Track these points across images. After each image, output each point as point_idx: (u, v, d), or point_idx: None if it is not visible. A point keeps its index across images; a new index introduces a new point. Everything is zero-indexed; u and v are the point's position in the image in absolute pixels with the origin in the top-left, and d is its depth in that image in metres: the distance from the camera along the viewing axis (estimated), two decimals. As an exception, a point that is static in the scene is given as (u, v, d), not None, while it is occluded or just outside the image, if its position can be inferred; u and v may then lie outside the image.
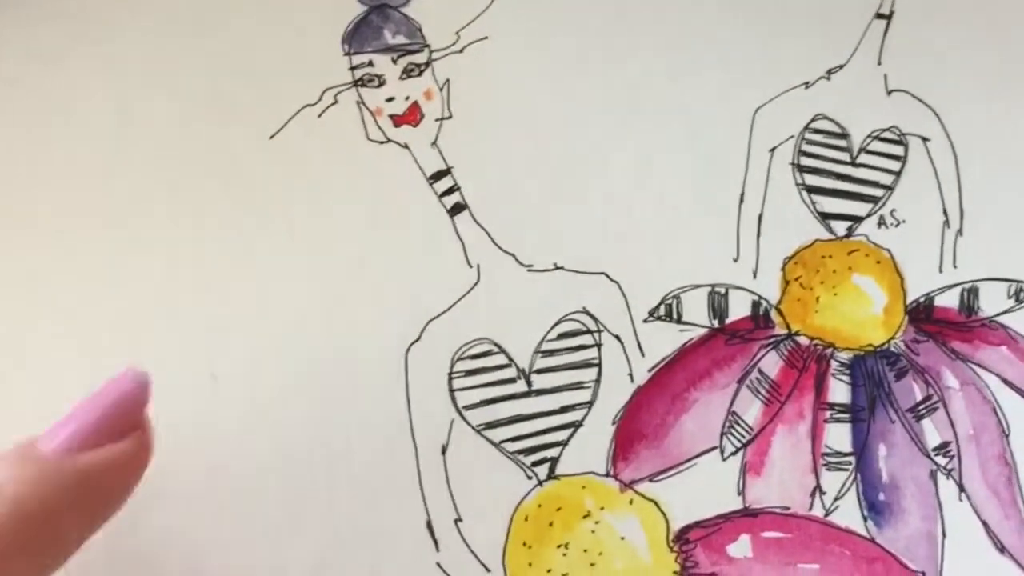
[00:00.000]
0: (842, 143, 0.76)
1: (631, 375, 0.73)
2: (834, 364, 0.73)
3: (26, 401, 0.70)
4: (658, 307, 0.74)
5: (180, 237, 0.74)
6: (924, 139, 0.76)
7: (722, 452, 0.72)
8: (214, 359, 0.72)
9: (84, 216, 0.74)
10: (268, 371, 0.72)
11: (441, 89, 0.76)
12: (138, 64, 0.77)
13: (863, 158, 0.76)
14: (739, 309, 0.74)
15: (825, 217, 0.75)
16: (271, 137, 0.75)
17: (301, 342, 0.73)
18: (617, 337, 0.73)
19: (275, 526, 0.70)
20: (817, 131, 0.77)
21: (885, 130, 0.77)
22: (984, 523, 0.70)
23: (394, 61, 0.77)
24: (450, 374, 0.72)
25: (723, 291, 0.74)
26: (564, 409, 0.72)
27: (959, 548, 0.70)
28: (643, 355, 0.73)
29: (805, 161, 0.76)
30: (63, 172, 0.75)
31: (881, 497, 0.71)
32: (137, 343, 0.72)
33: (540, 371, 0.72)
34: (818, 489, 0.71)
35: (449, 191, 0.75)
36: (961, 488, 0.71)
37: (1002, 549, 0.70)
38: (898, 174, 0.76)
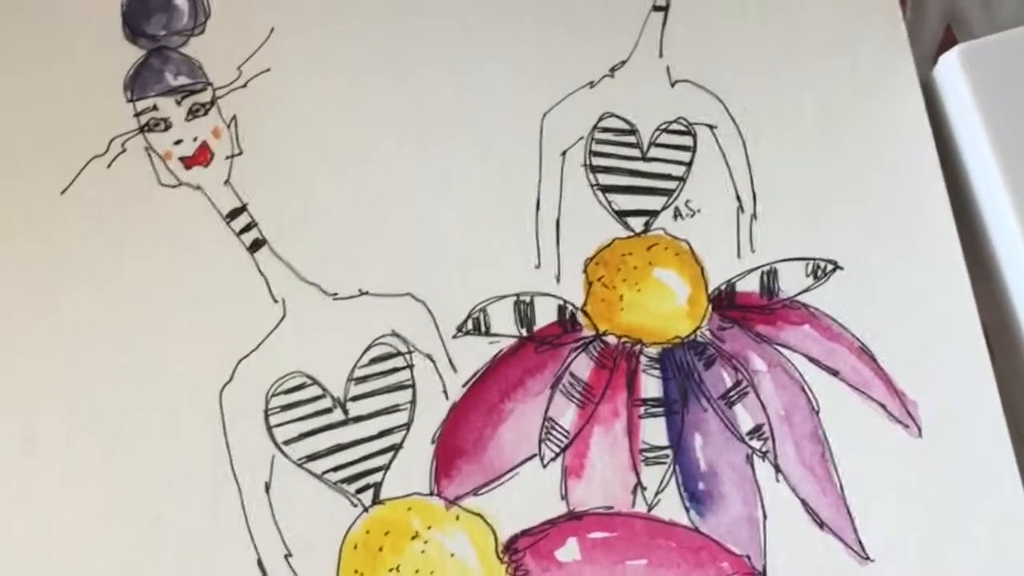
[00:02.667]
0: (631, 139, 0.77)
1: (445, 392, 0.73)
2: (644, 360, 0.74)
3: None
4: (466, 322, 0.74)
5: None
6: (711, 127, 0.77)
7: (542, 459, 0.72)
8: (30, 420, 0.72)
9: None
10: (85, 428, 0.72)
11: (228, 126, 0.76)
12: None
13: (653, 152, 0.77)
14: (546, 315, 0.74)
15: (621, 215, 0.76)
16: (62, 192, 0.75)
17: (115, 396, 0.72)
18: (428, 356, 0.73)
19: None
20: (606, 129, 0.77)
21: (673, 122, 0.77)
22: (802, 501, 0.72)
23: (178, 103, 0.76)
24: (266, 411, 0.72)
25: (528, 299, 0.74)
26: (383, 433, 0.72)
27: (780, 528, 0.71)
28: (455, 371, 0.73)
29: (597, 161, 0.76)
30: None
31: (701, 486, 0.72)
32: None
33: (355, 398, 0.73)
34: (639, 485, 0.72)
35: (247, 228, 0.74)
36: (777, 469, 0.72)
37: (821, 524, 0.71)
38: (689, 164, 0.77)
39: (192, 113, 0.76)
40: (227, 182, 0.75)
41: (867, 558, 0.71)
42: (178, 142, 0.75)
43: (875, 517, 0.71)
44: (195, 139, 0.75)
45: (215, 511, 0.71)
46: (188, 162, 0.75)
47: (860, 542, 0.71)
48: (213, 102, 0.76)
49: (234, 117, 0.76)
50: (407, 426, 0.72)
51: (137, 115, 0.76)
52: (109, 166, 0.75)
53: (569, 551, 0.71)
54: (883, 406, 0.73)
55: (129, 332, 0.73)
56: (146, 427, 0.72)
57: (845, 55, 0.78)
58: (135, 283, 0.74)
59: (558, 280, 0.75)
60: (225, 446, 0.72)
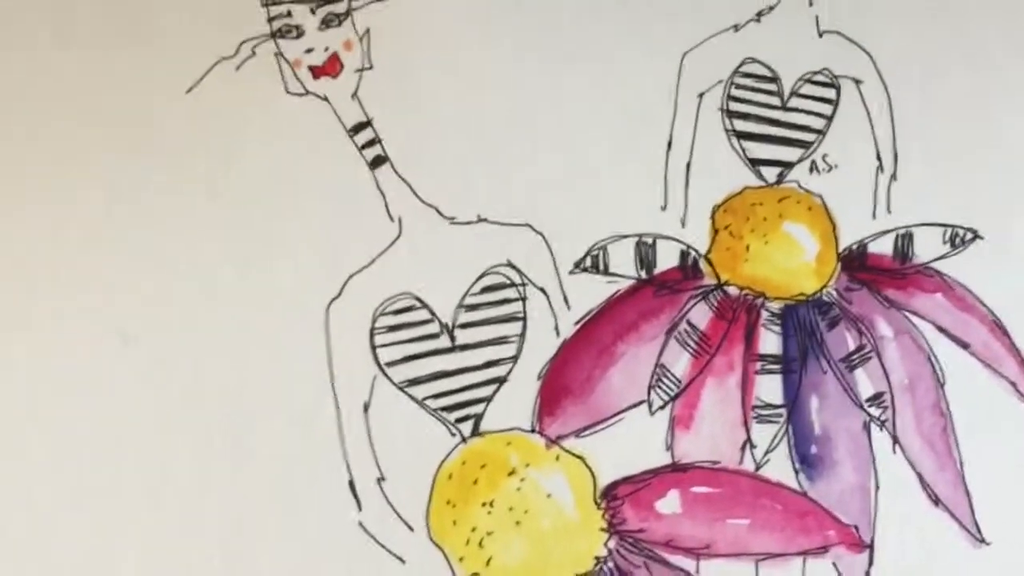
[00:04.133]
0: (772, 87, 0.74)
1: (557, 328, 0.71)
2: (765, 314, 0.72)
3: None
4: (584, 259, 0.72)
5: (98, 197, 0.73)
6: (857, 81, 0.74)
7: (650, 406, 0.70)
8: (126, 320, 0.71)
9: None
10: (183, 329, 0.71)
11: (361, 39, 0.75)
12: (48, 22, 0.76)
13: (794, 102, 0.74)
14: (667, 259, 0.72)
15: (755, 163, 0.73)
16: (188, 91, 0.74)
17: (220, 298, 0.71)
18: (542, 290, 0.72)
19: (192, 486, 0.69)
20: (747, 75, 0.75)
21: (817, 72, 0.75)
22: (919, 475, 0.69)
23: (313, 11, 0.75)
24: (372, 330, 0.71)
25: (651, 241, 0.72)
26: (488, 364, 0.71)
27: (893, 501, 0.69)
28: (569, 308, 0.72)
29: (734, 106, 0.74)
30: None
31: (813, 450, 0.70)
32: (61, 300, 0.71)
33: (464, 326, 0.71)
34: (748, 443, 0.70)
35: (370, 143, 0.73)
36: (895, 439, 0.70)
37: (936, 501, 0.68)
38: (830, 118, 0.74)
39: (325, 23, 0.74)
40: (354, 95, 0.73)
41: (982, 540, 0.68)
42: (309, 51, 0.74)
43: (995, 498, 0.69)
44: (326, 49, 0.74)
45: (310, 427, 0.70)
46: (317, 72, 0.74)
47: (976, 523, 0.68)
48: (348, 13, 0.75)
49: (367, 30, 0.75)
50: (514, 359, 0.71)
51: (270, 20, 0.74)
52: (238, 69, 0.74)
53: (670, 503, 0.69)
54: (1013, 384, 0.70)
55: (239, 238, 0.72)
56: (246, 335, 0.71)
57: (999, 15, 0.75)
58: (251, 189, 0.72)
59: (683, 224, 0.73)
60: (327, 362, 0.70)
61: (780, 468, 0.70)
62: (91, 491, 0.69)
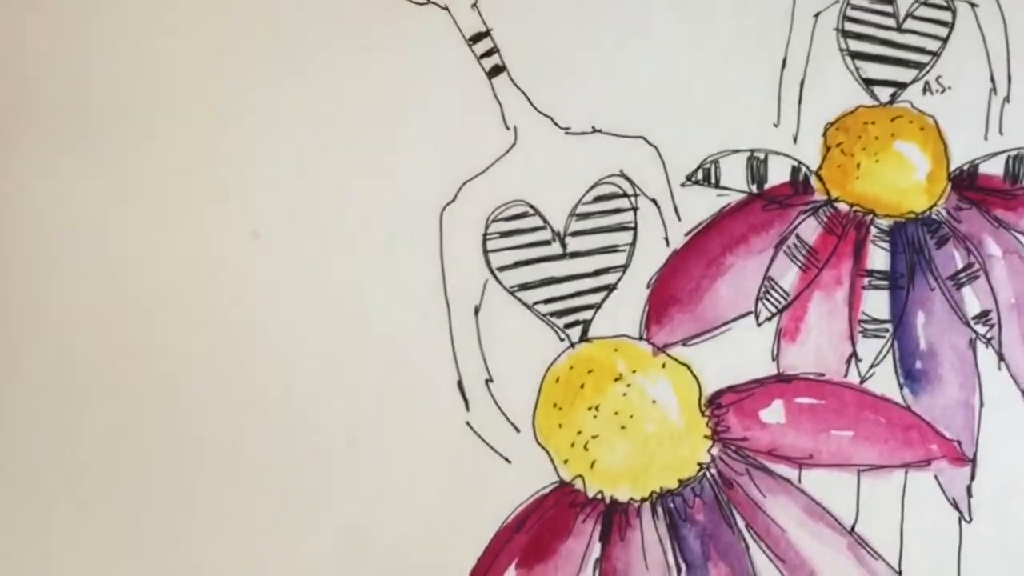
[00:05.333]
0: (888, 8, 0.75)
1: (667, 239, 0.72)
2: (874, 231, 0.72)
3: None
4: (696, 171, 0.73)
5: (222, 95, 0.74)
6: (972, 4, 0.74)
7: (757, 317, 0.71)
8: (255, 217, 0.73)
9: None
10: (308, 227, 0.72)
11: (482, -49, 0.76)
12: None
13: (909, 23, 0.74)
14: (778, 175, 0.73)
15: (869, 83, 0.74)
16: (309, -6, 0.75)
17: (340, 201, 0.73)
18: (654, 201, 0.72)
19: (312, 380, 0.71)
20: (862, -5, 0.75)
21: (932, -6, 0.75)
22: (1023, 392, 0.69)
23: (435, -79, 0.76)
24: (484, 235, 0.72)
25: (762, 156, 0.73)
26: (598, 272, 0.72)
27: (996, 418, 0.69)
28: (679, 219, 0.72)
29: (850, 26, 0.75)
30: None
31: (918, 365, 0.70)
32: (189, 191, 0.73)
33: (575, 233, 0.72)
34: (854, 356, 0.70)
35: (488, 53, 0.74)
36: (1000, 357, 0.70)
37: (1041, 419, 0.69)
38: (945, 40, 0.74)
39: (450, -67, 0.76)
40: (474, 5, 0.74)
41: (1086, 458, 0.68)
42: (432, -39, 0.75)
43: (1100, 416, 0.69)
44: (448, -41, 0.75)
45: (423, 327, 0.71)
46: (439, -20, 0.75)
47: (1081, 442, 0.69)
48: (469, -77, 0.76)
49: (490, -58, 0.76)
50: (624, 268, 0.72)
51: (395, -71, 0.76)
52: (360, -28, 0.75)
53: (774, 413, 0.70)
54: (1123, 300, 0.70)
55: (361, 142, 0.73)
56: (365, 234, 0.72)
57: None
58: (372, 93, 0.74)
59: (795, 140, 0.73)
60: (440, 264, 0.71)
61: (885, 382, 0.70)
62: (225, 375, 0.71)
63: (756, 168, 0.73)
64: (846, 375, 0.70)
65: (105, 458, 0.71)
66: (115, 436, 0.71)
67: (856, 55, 0.74)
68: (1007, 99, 0.73)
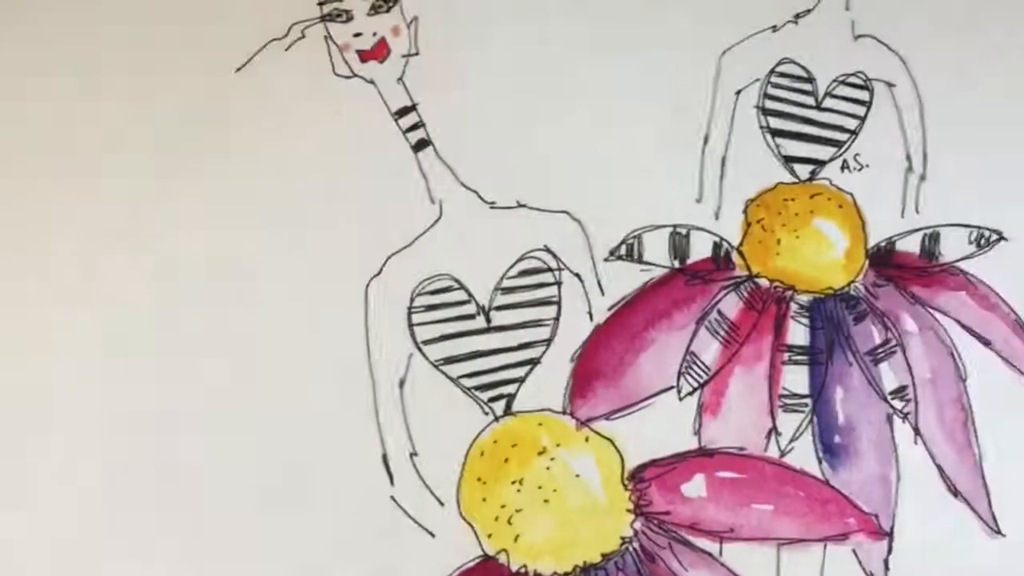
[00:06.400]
0: (807, 87, 0.76)
1: (591, 313, 0.73)
2: (794, 306, 0.73)
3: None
4: (619, 246, 0.74)
5: (143, 171, 0.75)
6: (890, 84, 0.76)
7: (679, 392, 0.72)
8: (178, 287, 0.73)
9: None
10: (232, 297, 0.73)
11: (409, 26, 0.76)
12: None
13: (828, 102, 0.76)
14: (700, 250, 0.74)
15: (788, 160, 0.75)
16: (237, 70, 0.75)
17: (261, 273, 0.73)
18: (578, 275, 0.73)
19: (233, 449, 0.71)
20: (783, 75, 0.76)
21: (851, 75, 0.76)
22: (939, 467, 0.71)
23: (363, -4, 0.77)
24: (410, 308, 0.72)
25: (685, 232, 0.74)
26: (523, 346, 0.72)
27: (913, 491, 0.70)
28: (603, 294, 0.73)
29: (770, 104, 0.76)
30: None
31: (837, 439, 0.71)
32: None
33: (500, 308, 0.72)
34: (774, 430, 0.71)
35: (414, 127, 0.75)
36: (916, 432, 0.71)
37: (955, 492, 0.70)
38: (863, 119, 0.76)
39: (375, 8, 0.76)
40: (400, 80, 0.75)
41: (998, 532, 0.70)
42: (357, 35, 0.76)
43: (1011, 492, 0.70)
44: (374, 34, 0.76)
45: (346, 400, 0.71)
46: (365, 55, 0.75)
47: (993, 515, 0.70)
48: (397, 0, 0.76)
49: (415, 18, 0.76)
50: (548, 342, 0.72)
51: (321, 3, 0.76)
52: (287, 50, 0.76)
53: (696, 487, 0.70)
54: (1033, 382, 0.72)
55: (284, 214, 0.74)
56: (288, 309, 0.72)
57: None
58: (296, 166, 0.74)
59: (716, 216, 0.74)
60: (364, 337, 0.72)
61: (804, 456, 0.71)
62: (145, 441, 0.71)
63: (679, 243, 0.74)
64: (766, 449, 0.71)
65: None
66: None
67: (776, 132, 0.76)
68: (923, 177, 0.75)
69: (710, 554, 0.70)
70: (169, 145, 0.75)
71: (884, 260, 0.74)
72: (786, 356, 0.72)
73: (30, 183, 0.75)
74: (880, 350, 0.72)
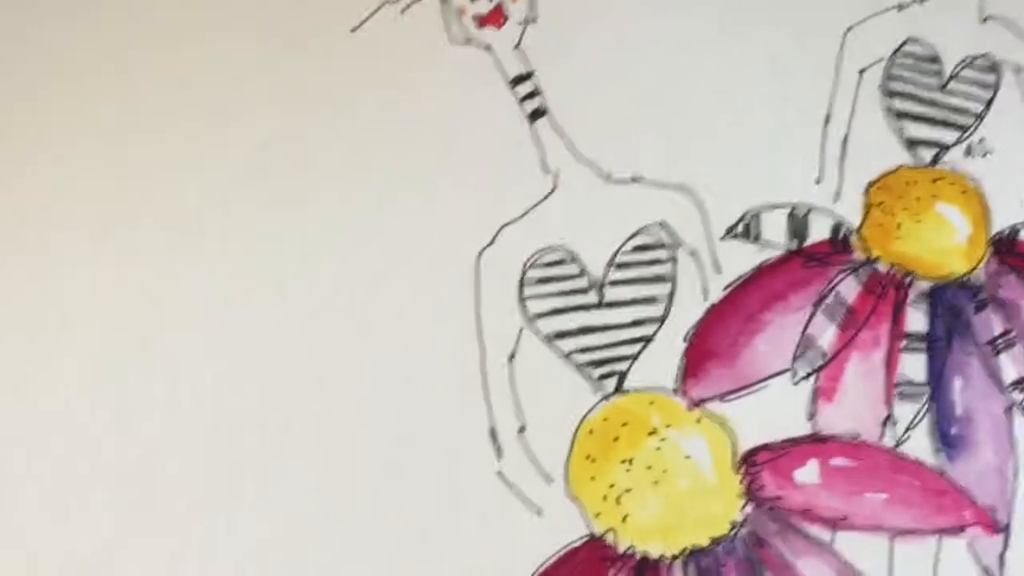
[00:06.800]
0: (933, 68, 0.75)
1: (705, 292, 0.72)
2: (913, 292, 0.72)
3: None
4: (736, 225, 0.72)
5: (264, 123, 0.74)
6: (1017, 69, 0.75)
7: (794, 375, 0.71)
8: (287, 268, 0.72)
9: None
10: (342, 268, 0.71)
11: (527, -9, 0.75)
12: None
13: (954, 84, 0.75)
14: (819, 231, 0.73)
15: (911, 143, 0.74)
16: (352, 31, 0.74)
17: (378, 241, 0.72)
18: (693, 253, 0.72)
19: (346, 424, 0.69)
20: (908, 55, 0.75)
21: (978, 57, 0.75)
22: (1059, 461, 0.70)
23: (481, -40, 0.75)
24: (522, 281, 0.71)
25: (803, 212, 0.72)
26: (635, 323, 0.71)
27: (1031, 485, 0.69)
28: (719, 272, 0.72)
29: (894, 85, 0.75)
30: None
31: (954, 430, 0.70)
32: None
33: (613, 283, 0.71)
34: (890, 418, 0.70)
35: (530, 96, 0.73)
36: (1036, 424, 0.70)
37: (1075, 488, 0.69)
38: (989, 103, 0.74)
39: (493, -28, 0.75)
40: (517, 47, 0.74)
41: (1119, 529, 0.69)
42: (475, 0, 0.74)
43: None
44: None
45: (455, 372, 0.70)
46: (482, 21, 0.74)
47: (1115, 512, 0.69)
48: (516, -36, 0.75)
49: (535, -18, 0.75)
50: (661, 320, 0.71)
51: (438, -35, 0.75)
52: (402, 12, 0.74)
53: (808, 473, 0.69)
54: None
55: (398, 178, 0.72)
56: (402, 276, 0.71)
57: None
58: (409, 132, 0.73)
59: (836, 198, 0.73)
60: (475, 309, 0.71)
61: (920, 446, 0.70)
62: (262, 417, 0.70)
63: (797, 224, 0.72)
64: (881, 437, 0.70)
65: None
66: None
67: (900, 114, 0.74)
68: (1049, 165, 0.74)
69: (822, 542, 0.69)
70: (281, 110, 0.73)
71: (1007, 248, 0.73)
72: (904, 343, 0.71)
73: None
74: (1000, 340, 0.71)
